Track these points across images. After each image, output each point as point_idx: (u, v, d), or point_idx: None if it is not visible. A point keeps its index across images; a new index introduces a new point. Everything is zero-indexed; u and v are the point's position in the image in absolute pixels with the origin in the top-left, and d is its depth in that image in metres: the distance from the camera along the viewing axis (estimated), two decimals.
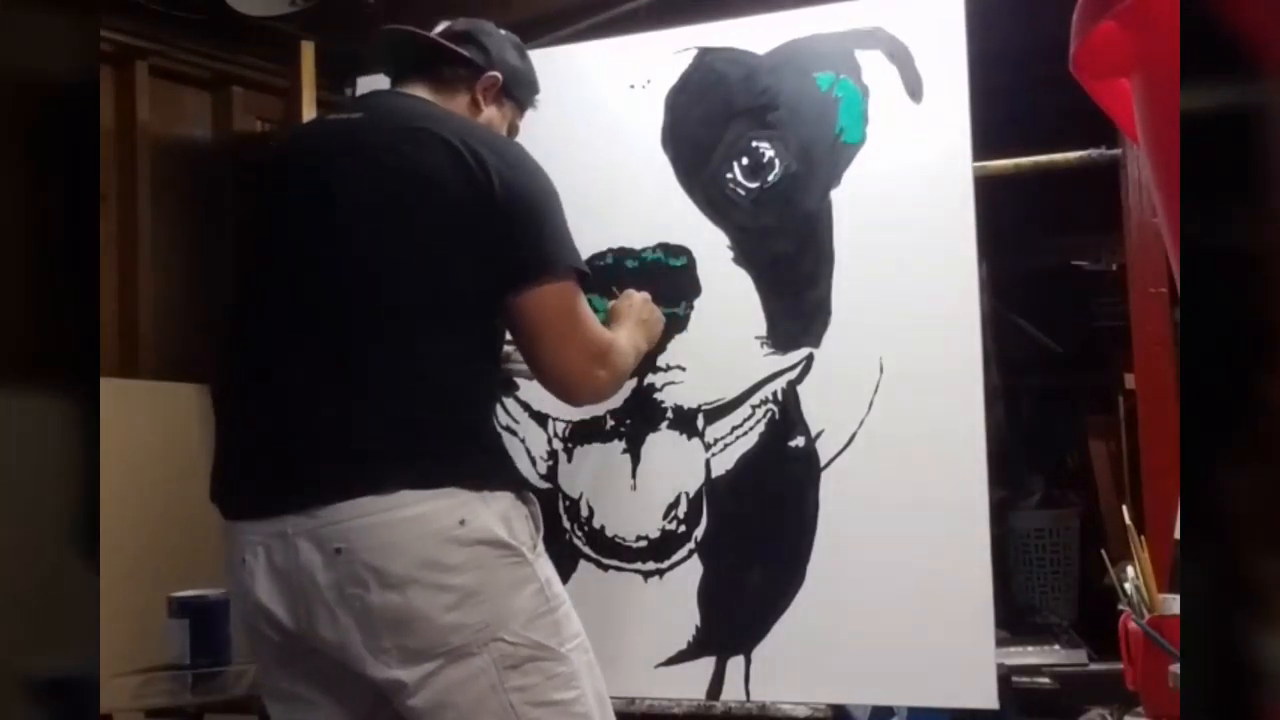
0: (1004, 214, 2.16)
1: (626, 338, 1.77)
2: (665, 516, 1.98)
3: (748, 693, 1.92)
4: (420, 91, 1.69)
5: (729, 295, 1.99)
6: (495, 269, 1.53)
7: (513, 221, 1.53)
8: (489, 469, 1.50)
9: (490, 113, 1.74)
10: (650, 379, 2.00)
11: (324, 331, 1.50)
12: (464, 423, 1.51)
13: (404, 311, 1.49)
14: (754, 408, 1.96)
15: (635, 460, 2.01)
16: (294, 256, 1.54)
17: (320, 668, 1.52)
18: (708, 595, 1.96)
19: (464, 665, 1.43)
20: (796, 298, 1.96)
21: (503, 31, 1.80)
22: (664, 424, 2.00)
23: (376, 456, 1.45)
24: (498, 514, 1.47)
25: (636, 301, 1.89)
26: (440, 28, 1.76)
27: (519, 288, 1.53)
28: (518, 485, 1.54)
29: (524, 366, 1.65)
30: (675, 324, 2.00)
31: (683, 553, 1.97)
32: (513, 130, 1.80)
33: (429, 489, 1.43)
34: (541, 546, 1.54)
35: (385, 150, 1.53)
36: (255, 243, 1.63)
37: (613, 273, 2.02)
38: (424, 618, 1.42)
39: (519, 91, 1.79)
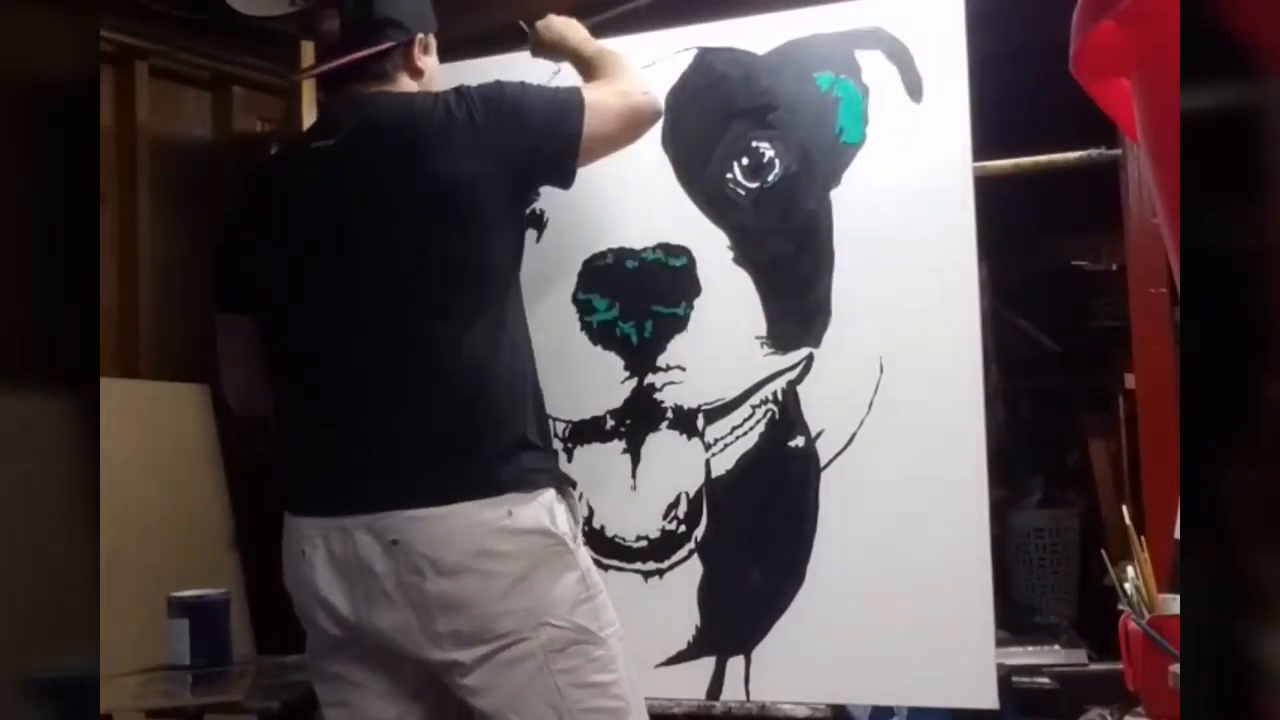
0: (1004, 214, 2.16)
1: (601, 60, 1.83)
2: (665, 516, 1.98)
3: (748, 693, 1.91)
4: (371, 87, 1.67)
5: (729, 295, 1.98)
6: (539, 171, 1.66)
7: (514, 123, 1.61)
8: (536, 470, 1.58)
9: (429, 63, 1.72)
10: (650, 379, 2.00)
11: (373, 350, 1.58)
12: (515, 428, 1.58)
13: (450, 316, 1.56)
14: (754, 408, 1.96)
15: (635, 460, 2.01)
16: (337, 286, 1.59)
17: (372, 653, 1.58)
18: (708, 595, 1.96)
19: (515, 648, 1.52)
20: (796, 298, 1.96)
21: None
22: (664, 424, 1.99)
23: (431, 473, 1.53)
24: (543, 506, 1.55)
25: (557, 30, 1.90)
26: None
27: (571, 145, 1.65)
28: (559, 480, 1.61)
29: None
30: (675, 324, 2.00)
31: (683, 553, 1.97)
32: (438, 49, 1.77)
33: (483, 499, 1.52)
34: (581, 537, 1.62)
35: (384, 174, 1.59)
36: (288, 272, 1.65)
37: (613, 273, 2.02)
38: (477, 603, 1.51)
39: (431, 27, 1.75)
